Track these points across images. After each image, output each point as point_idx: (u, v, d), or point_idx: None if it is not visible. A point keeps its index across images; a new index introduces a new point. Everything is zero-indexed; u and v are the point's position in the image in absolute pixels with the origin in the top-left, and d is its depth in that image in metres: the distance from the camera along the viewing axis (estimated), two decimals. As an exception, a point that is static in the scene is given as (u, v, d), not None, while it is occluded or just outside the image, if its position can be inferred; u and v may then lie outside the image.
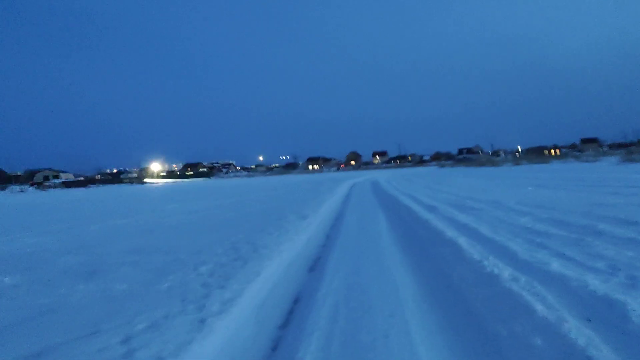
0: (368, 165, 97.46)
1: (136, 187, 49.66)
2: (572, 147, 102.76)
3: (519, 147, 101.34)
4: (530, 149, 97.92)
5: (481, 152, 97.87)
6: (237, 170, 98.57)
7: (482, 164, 59.59)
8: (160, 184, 64.70)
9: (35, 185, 60.51)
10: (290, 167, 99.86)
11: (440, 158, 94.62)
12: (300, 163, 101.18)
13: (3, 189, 51.06)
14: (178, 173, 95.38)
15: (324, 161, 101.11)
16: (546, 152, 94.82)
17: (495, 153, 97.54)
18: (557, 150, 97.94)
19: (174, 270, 3.68)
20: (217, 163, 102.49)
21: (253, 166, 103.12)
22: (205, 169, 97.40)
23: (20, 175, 76.72)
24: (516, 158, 61.35)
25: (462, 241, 4.36)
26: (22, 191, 47.82)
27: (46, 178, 74.29)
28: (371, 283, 3.54)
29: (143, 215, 9.40)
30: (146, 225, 7.41)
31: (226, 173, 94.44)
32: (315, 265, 4.30)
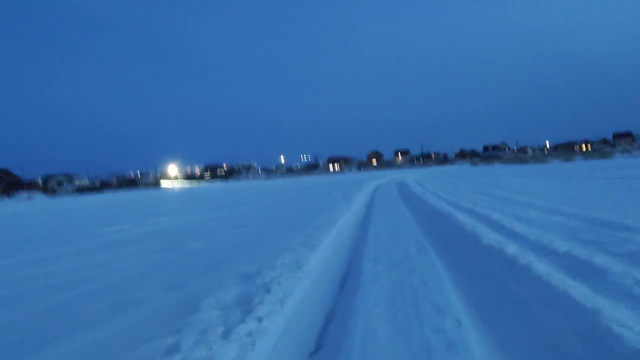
0: (390, 164, 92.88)
1: (149, 192, 46.80)
2: (604, 142, 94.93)
3: (547, 143, 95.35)
4: (559, 145, 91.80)
5: (507, 149, 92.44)
6: (257, 173, 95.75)
7: (510, 161, 55.20)
8: (176, 188, 62.26)
9: (45, 192, 58.79)
10: (310, 168, 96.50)
11: (465, 156, 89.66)
12: (321, 164, 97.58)
13: (11, 196, 49.54)
14: (196, 176, 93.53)
15: (344, 161, 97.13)
16: (576, 147, 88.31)
17: (523, 150, 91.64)
18: (588, 146, 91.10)
19: None
20: (238, 165, 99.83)
21: (274, 167, 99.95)
22: (224, 172, 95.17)
23: (35, 182, 75.36)
24: (546, 154, 56.54)
25: None
26: (29, 199, 46.16)
27: (60, 184, 73.19)
28: None
29: (68, 246, 6.34)
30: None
31: (246, 175, 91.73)
32: None
